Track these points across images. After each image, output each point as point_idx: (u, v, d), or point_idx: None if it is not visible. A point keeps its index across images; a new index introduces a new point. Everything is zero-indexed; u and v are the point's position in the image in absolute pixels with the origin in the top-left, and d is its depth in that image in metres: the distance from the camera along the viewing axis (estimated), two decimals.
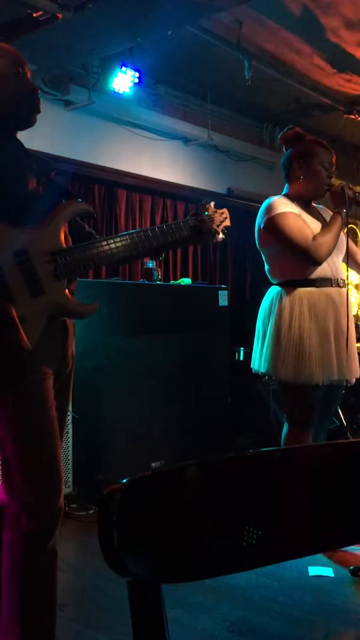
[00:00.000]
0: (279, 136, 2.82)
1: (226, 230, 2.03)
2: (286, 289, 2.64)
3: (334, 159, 2.74)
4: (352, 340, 2.63)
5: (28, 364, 1.60)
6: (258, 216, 2.70)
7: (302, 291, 2.61)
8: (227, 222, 2.04)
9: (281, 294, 2.65)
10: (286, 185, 2.78)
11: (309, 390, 2.59)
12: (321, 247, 2.55)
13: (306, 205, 2.74)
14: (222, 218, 2.02)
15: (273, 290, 2.72)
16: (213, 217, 1.99)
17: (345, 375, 2.62)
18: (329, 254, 2.60)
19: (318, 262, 2.58)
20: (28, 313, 1.60)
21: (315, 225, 2.65)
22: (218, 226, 2.00)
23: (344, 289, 2.68)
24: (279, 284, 2.70)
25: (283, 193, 2.76)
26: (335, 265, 2.67)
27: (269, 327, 2.65)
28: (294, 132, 2.78)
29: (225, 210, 2.04)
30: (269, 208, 2.63)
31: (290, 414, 2.71)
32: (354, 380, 2.68)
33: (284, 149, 2.80)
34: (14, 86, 1.74)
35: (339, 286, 2.67)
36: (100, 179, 5.14)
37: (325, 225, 2.68)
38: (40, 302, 1.64)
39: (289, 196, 2.72)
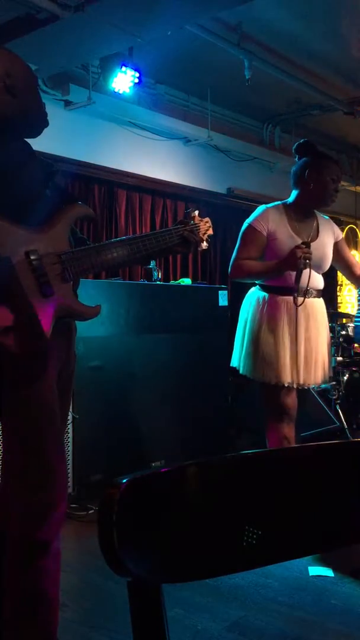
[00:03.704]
0: (293, 148, 2.92)
1: (209, 239, 2.07)
2: (258, 293, 2.83)
3: (340, 176, 2.88)
4: (314, 346, 2.77)
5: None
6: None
7: (267, 296, 2.78)
8: (211, 231, 2.08)
9: (253, 296, 2.86)
10: (294, 192, 2.87)
11: (269, 387, 2.75)
12: (238, 269, 2.78)
13: (305, 214, 2.84)
14: (207, 227, 2.06)
15: (252, 292, 2.90)
16: (199, 226, 2.02)
17: (300, 380, 2.73)
18: (240, 279, 2.85)
19: (229, 276, 2.86)
20: (40, 313, 1.61)
21: (289, 239, 2.73)
22: (203, 235, 2.03)
23: (313, 299, 2.79)
24: (256, 287, 2.89)
25: (289, 200, 2.87)
26: (305, 275, 2.74)
27: (239, 326, 2.89)
28: (308, 143, 2.91)
29: (208, 219, 2.08)
30: (255, 215, 2.81)
31: (265, 409, 2.86)
32: (310, 385, 2.82)
33: (296, 158, 2.90)
34: (38, 98, 1.81)
35: (303, 296, 2.73)
36: (100, 179, 5.15)
37: (313, 235, 2.81)
38: (50, 303, 1.65)
39: (291, 204, 2.84)
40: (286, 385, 2.72)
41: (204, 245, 2.04)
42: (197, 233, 2.00)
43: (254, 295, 2.84)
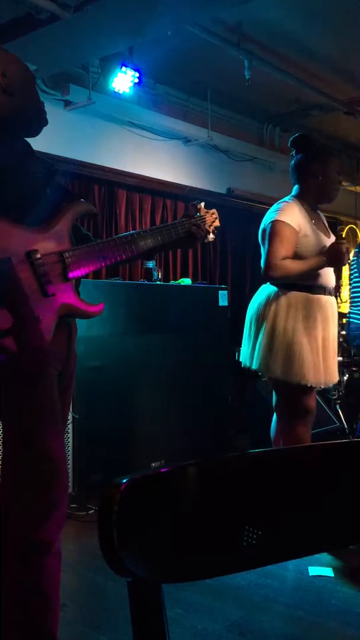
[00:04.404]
0: (289, 142, 2.84)
1: (216, 231, 2.06)
2: (284, 291, 2.69)
3: (342, 168, 2.86)
4: (335, 346, 2.76)
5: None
6: (268, 213, 2.74)
7: (298, 295, 2.67)
8: (217, 223, 2.07)
9: (278, 294, 2.70)
10: (296, 187, 2.80)
11: (297, 389, 2.67)
12: (281, 270, 2.60)
13: (313, 208, 2.80)
14: (213, 219, 2.05)
15: (269, 289, 2.76)
16: (205, 218, 2.01)
17: (329, 381, 2.72)
18: (280, 280, 2.66)
19: (268, 278, 2.66)
20: (41, 314, 1.61)
21: (315, 235, 2.68)
22: (209, 227, 2.02)
23: (333, 298, 2.77)
24: (266, 283, 2.76)
25: (294, 194, 2.78)
26: (329, 274, 2.73)
27: (264, 326, 2.70)
28: (304, 137, 2.83)
29: (214, 210, 2.07)
30: (279, 210, 2.67)
31: (279, 410, 2.80)
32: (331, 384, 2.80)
33: (292, 153, 2.83)
34: (36, 97, 1.81)
35: (330, 294, 2.74)
36: (100, 179, 5.14)
37: (328, 233, 2.77)
38: (52, 303, 1.65)
39: (301, 198, 2.75)
40: (322, 386, 2.69)
41: (211, 237, 2.03)
42: (203, 226, 2.00)
43: (276, 294, 2.69)
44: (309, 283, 2.67)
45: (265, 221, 2.71)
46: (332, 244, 2.62)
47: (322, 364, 2.67)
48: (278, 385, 2.74)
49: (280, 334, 2.64)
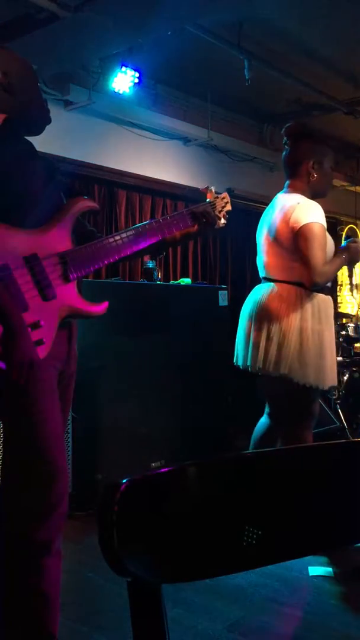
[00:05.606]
0: (282, 130, 2.70)
1: (228, 215, 1.99)
2: (305, 292, 2.55)
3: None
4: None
5: (40, 366, 1.60)
6: (292, 211, 2.53)
7: (317, 296, 2.58)
8: (229, 207, 2.00)
9: (295, 294, 2.56)
10: (292, 181, 2.65)
11: (316, 393, 2.63)
12: (324, 277, 2.50)
13: None
14: (224, 203, 1.98)
15: (266, 285, 2.65)
16: (214, 204, 1.96)
17: (335, 381, 2.67)
18: (325, 284, 2.57)
19: (315, 285, 2.51)
20: (42, 318, 1.59)
21: (329, 238, 2.64)
22: (220, 212, 1.96)
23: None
24: (293, 284, 2.57)
25: (292, 189, 2.62)
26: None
27: (290, 329, 2.53)
28: (300, 126, 2.68)
29: (225, 194, 2.00)
30: (310, 210, 2.51)
31: (296, 416, 2.68)
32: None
33: (285, 145, 2.69)
34: (38, 95, 1.81)
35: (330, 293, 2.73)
36: (101, 179, 5.15)
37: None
38: (53, 306, 1.63)
39: (301, 192, 2.60)
40: (328, 388, 2.66)
41: (222, 222, 1.96)
42: (213, 212, 1.93)
43: (292, 293, 2.55)
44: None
45: (298, 223, 2.49)
46: (352, 243, 2.61)
47: (330, 365, 2.62)
48: (300, 391, 2.56)
49: (310, 338, 2.52)
